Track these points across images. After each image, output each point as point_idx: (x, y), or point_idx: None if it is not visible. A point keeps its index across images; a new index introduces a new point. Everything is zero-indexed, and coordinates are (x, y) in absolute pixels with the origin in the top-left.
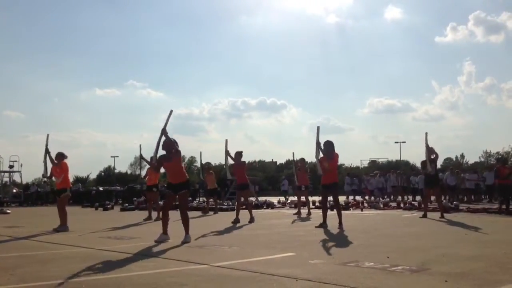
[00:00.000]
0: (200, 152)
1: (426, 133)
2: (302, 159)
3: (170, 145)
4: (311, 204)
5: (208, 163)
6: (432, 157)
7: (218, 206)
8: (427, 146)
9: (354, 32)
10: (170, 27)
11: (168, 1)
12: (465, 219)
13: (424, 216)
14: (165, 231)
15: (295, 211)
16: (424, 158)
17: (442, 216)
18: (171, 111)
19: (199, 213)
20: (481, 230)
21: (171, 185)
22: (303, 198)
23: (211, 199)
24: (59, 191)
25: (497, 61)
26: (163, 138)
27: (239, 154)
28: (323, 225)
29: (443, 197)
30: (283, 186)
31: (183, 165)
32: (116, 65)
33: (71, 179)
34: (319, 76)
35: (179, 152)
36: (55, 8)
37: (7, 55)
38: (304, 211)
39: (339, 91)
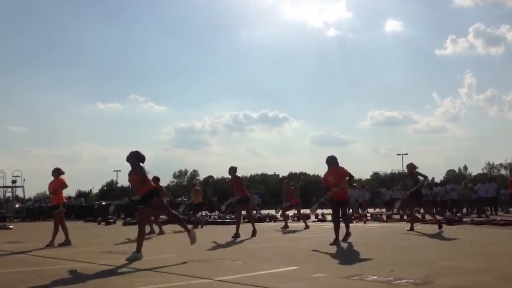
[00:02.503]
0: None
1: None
2: (287, 181)
3: (131, 159)
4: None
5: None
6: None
7: (220, 219)
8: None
9: (354, 45)
10: (171, 42)
11: (169, 15)
12: (469, 232)
13: (411, 229)
14: (138, 249)
15: (300, 224)
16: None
17: (440, 228)
18: None
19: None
20: (485, 242)
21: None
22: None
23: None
24: (53, 207)
25: (497, 73)
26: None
27: (233, 169)
28: (336, 242)
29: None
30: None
31: (148, 179)
32: (118, 79)
33: (73, 193)
34: (320, 89)
35: (136, 167)
36: (57, 23)
37: (9, 69)
38: (301, 224)
39: (340, 104)
